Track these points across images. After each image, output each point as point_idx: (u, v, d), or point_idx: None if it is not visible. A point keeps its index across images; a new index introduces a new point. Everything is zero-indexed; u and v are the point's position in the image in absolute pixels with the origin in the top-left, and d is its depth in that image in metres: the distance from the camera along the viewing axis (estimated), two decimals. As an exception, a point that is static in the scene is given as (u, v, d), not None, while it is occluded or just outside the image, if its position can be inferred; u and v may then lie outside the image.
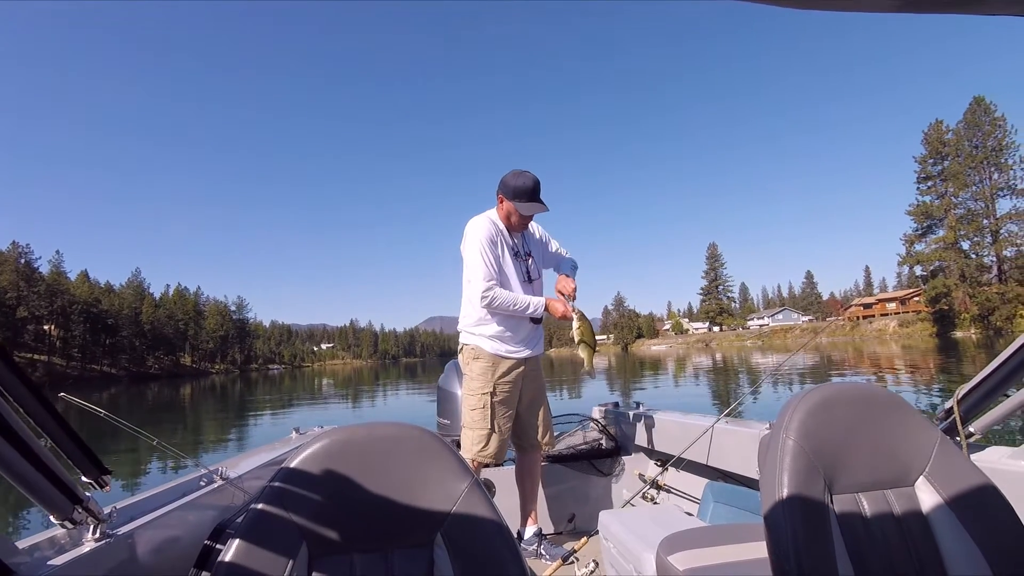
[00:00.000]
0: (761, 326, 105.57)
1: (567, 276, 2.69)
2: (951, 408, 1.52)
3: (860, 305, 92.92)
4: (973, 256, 54.89)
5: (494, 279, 2.50)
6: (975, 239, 54.68)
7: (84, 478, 1.24)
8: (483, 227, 2.54)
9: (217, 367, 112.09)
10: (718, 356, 43.72)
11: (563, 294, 2.61)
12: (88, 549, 1.22)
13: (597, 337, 2.75)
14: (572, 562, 2.29)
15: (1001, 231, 53.46)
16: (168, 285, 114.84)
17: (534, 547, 2.60)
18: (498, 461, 2.58)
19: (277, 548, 0.87)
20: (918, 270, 61.02)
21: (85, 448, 1.20)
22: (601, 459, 3.16)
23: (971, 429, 1.51)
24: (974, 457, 1.47)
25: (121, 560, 1.31)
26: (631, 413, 3.20)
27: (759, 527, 1.10)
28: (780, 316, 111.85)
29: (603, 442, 3.23)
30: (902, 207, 60.32)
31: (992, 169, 53.69)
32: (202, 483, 1.83)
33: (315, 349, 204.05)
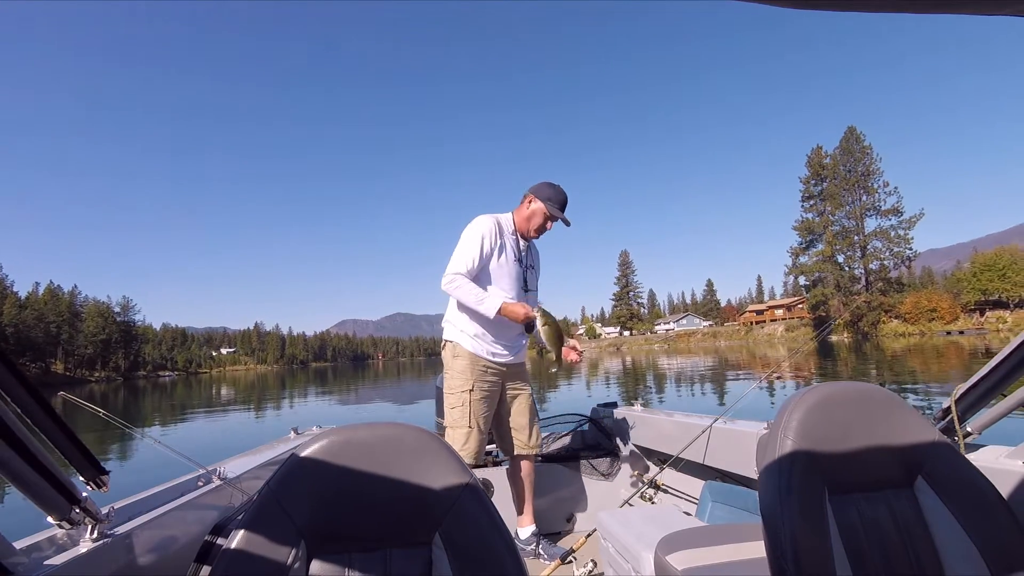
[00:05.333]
0: (667, 331, 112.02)
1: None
2: (948, 407, 1.57)
3: (753, 311, 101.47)
4: (846, 268, 61.73)
5: (466, 271, 2.45)
6: (848, 253, 61.51)
7: (82, 478, 1.22)
8: (485, 223, 2.54)
9: (97, 374, 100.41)
10: (628, 359, 45.66)
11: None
12: (86, 549, 1.21)
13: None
14: (570, 562, 2.26)
15: (868, 247, 60.51)
16: (37, 283, 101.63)
17: (532, 547, 2.59)
18: (477, 460, 2.55)
19: (276, 546, 0.88)
20: (802, 280, 67.81)
21: (83, 448, 1.19)
22: (599, 459, 3.15)
23: (968, 428, 1.56)
24: (971, 456, 1.48)
25: (119, 560, 1.29)
26: (629, 413, 3.21)
27: (757, 527, 1.10)
28: (684, 321, 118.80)
29: (601, 442, 3.23)
30: (790, 222, 66.74)
31: (862, 192, 60.78)
32: (200, 483, 1.81)
33: (213, 354, 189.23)
